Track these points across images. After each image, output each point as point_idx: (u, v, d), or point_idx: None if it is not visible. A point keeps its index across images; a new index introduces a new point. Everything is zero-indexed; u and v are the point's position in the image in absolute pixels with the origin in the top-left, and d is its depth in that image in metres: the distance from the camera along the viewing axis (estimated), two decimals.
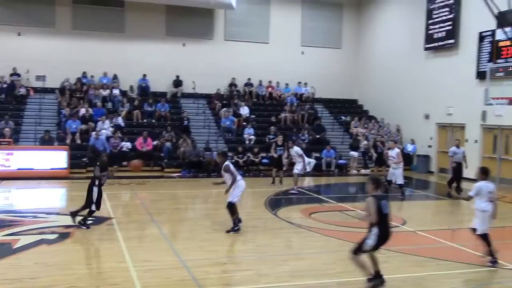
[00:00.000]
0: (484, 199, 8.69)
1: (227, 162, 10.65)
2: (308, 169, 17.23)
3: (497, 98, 13.82)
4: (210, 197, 15.91)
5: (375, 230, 7.06)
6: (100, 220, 11.28)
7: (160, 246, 9.52)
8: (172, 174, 19.95)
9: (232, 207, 10.56)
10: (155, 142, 21.24)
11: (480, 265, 8.73)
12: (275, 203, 14.62)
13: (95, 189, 10.65)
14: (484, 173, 8.91)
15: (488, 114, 19.80)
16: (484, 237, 8.74)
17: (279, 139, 18.54)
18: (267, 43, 27.48)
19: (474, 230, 8.91)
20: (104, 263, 8.75)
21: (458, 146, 16.99)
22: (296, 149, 16.85)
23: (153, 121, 23.43)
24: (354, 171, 22.29)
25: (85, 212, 10.72)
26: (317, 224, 11.65)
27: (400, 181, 15.58)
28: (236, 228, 10.50)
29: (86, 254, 9.05)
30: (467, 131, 21.06)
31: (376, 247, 7.18)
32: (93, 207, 10.64)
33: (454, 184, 16.48)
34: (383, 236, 7.11)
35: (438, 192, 18.65)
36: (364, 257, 7.18)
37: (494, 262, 8.66)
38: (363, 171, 22.18)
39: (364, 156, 22.96)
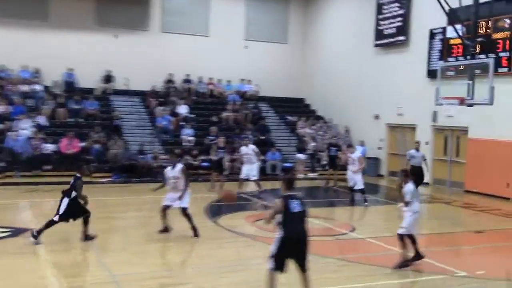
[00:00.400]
0: (416, 200, 9.13)
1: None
2: None
3: (448, 98, 14.22)
4: (143, 204, 15.64)
5: (279, 232, 6.91)
6: (18, 232, 10.84)
7: (87, 260, 9.29)
8: (101, 179, 19.50)
9: (187, 212, 10.79)
10: (82, 144, 20.75)
11: (432, 272, 8.98)
12: (216, 210, 14.54)
13: (66, 201, 10.09)
14: (410, 175, 9.44)
15: (439, 115, 20.53)
16: (405, 238, 9.04)
17: (221, 141, 18.52)
18: (207, 36, 27.38)
19: (409, 236, 9.17)
20: (23, 279, 8.37)
21: (417, 150, 17.38)
22: (252, 147, 17.60)
23: (80, 120, 22.87)
24: (301, 175, 22.52)
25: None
26: (262, 232, 11.63)
27: (361, 185, 16.02)
28: (198, 232, 10.80)
29: (2, 270, 8.65)
30: (418, 132, 21.73)
31: (281, 255, 6.87)
32: (56, 218, 10.06)
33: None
34: (288, 240, 6.81)
35: (389, 197, 19.11)
36: (277, 278, 6.99)
37: (404, 266, 8.98)
38: (310, 174, 22.44)
39: (312, 158, 23.24)
